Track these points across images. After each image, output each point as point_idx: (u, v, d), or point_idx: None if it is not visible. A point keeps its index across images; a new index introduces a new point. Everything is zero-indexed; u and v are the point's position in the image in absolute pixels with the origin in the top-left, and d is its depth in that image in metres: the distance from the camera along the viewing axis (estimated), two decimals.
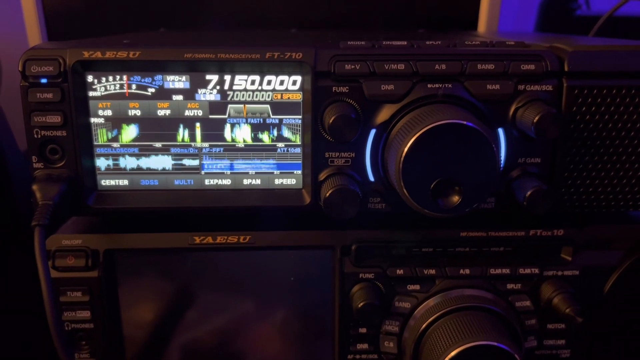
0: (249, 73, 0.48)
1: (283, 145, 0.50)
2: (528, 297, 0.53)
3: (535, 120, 0.45)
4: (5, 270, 0.69)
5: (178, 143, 0.49)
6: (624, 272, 0.53)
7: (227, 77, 0.48)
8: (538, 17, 1.12)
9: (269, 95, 0.49)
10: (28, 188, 0.70)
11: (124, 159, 0.50)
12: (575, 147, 0.49)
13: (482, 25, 0.91)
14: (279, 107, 0.49)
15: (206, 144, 0.50)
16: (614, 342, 0.55)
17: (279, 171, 0.51)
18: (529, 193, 0.47)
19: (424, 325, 0.51)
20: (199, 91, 0.48)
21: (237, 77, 0.48)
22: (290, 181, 0.51)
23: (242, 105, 0.49)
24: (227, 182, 0.51)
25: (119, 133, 0.49)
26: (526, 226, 0.52)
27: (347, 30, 0.90)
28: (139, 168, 0.50)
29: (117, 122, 0.49)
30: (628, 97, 0.48)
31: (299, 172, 0.51)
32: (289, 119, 0.49)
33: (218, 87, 0.48)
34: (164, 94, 0.48)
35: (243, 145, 0.50)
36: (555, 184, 0.50)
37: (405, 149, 0.44)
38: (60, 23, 0.88)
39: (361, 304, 0.50)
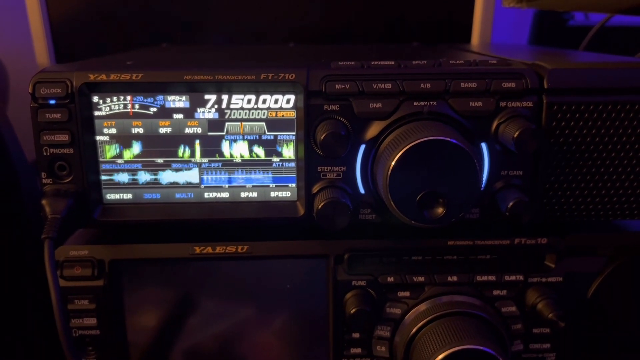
0: (245, 93, 0.51)
1: (278, 160, 0.53)
2: (513, 303, 0.55)
3: (515, 136, 0.47)
4: (13, 278, 0.71)
5: (179, 159, 0.52)
6: (606, 278, 0.55)
7: (225, 97, 0.51)
8: (532, 28, 1.15)
9: (264, 113, 0.51)
10: (36, 197, 0.73)
11: (128, 175, 0.52)
12: (556, 160, 0.51)
13: (475, 38, 0.94)
14: (274, 124, 0.52)
15: (205, 160, 0.52)
16: (597, 346, 0.58)
17: (274, 184, 0.53)
18: (511, 204, 0.49)
19: (414, 330, 0.53)
20: (198, 110, 0.51)
21: (234, 97, 0.51)
22: (285, 194, 0.54)
23: (239, 123, 0.51)
24: (225, 195, 0.53)
25: (123, 150, 0.52)
26: (511, 235, 0.55)
27: (343, 43, 0.93)
28: (142, 183, 0.53)
29: (121, 140, 0.51)
30: (605, 112, 0.50)
31: (294, 185, 0.53)
32: (284, 135, 0.52)
33: (216, 106, 0.51)
34: (165, 113, 0.51)
35: (240, 161, 0.52)
36: (536, 195, 0.52)
37: (392, 164, 0.46)
38: (66, 38, 0.91)
39: (354, 310, 0.53)
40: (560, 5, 0.83)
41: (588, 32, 0.92)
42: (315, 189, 0.52)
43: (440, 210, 0.47)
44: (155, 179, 0.53)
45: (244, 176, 0.53)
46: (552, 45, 0.97)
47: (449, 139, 0.46)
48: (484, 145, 0.51)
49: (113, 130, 0.51)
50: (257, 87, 0.50)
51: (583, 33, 0.94)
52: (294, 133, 0.52)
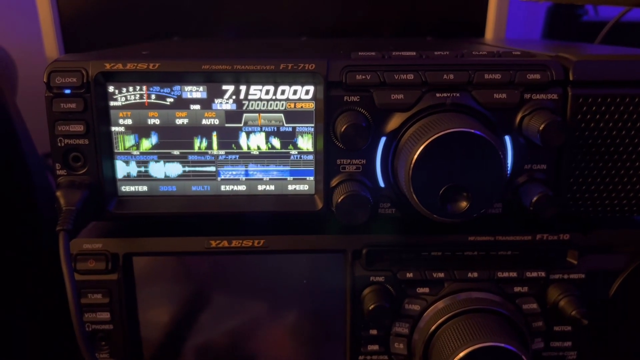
0: (263, 83, 0.50)
1: (296, 153, 0.52)
2: (535, 300, 0.54)
3: (540, 129, 0.46)
4: (26, 273, 0.71)
5: (195, 151, 0.51)
6: (629, 275, 0.54)
7: (243, 87, 0.50)
8: (545, 23, 1.13)
9: (282, 104, 0.50)
10: (47, 191, 0.72)
11: (143, 166, 0.51)
12: (581, 153, 0.50)
13: (489, 33, 0.93)
14: (293, 115, 0.51)
15: (222, 152, 0.51)
16: (619, 344, 0.56)
17: (292, 177, 0.52)
18: (535, 199, 0.48)
19: (433, 327, 0.52)
20: (216, 101, 0.50)
21: (252, 87, 0.50)
22: (303, 187, 0.53)
23: (256, 114, 0.50)
24: (242, 188, 0.52)
25: (139, 141, 0.51)
26: (533, 230, 0.53)
27: (356, 38, 0.92)
28: (157, 175, 0.52)
29: (137, 131, 0.50)
30: (631, 105, 0.49)
31: (312, 178, 0.52)
32: (302, 127, 0.51)
33: (234, 97, 0.50)
34: (182, 103, 0.50)
35: (258, 153, 0.52)
36: (560, 190, 0.51)
37: (415, 156, 0.45)
38: (76, 31, 0.90)
39: (372, 306, 0.52)
40: None
41: (602, 28, 0.90)
42: (334, 182, 0.51)
43: (463, 204, 0.46)
44: (171, 171, 0.52)
45: (261, 169, 0.52)
46: (566, 41, 0.96)
47: (473, 131, 0.45)
48: (507, 138, 0.50)
49: (129, 121, 0.50)
50: (276, 78, 0.49)
51: (597, 29, 0.92)
52: (313, 125, 0.51)
